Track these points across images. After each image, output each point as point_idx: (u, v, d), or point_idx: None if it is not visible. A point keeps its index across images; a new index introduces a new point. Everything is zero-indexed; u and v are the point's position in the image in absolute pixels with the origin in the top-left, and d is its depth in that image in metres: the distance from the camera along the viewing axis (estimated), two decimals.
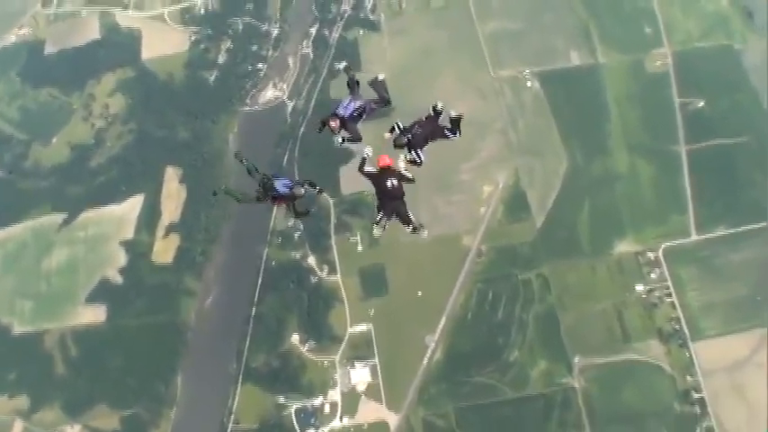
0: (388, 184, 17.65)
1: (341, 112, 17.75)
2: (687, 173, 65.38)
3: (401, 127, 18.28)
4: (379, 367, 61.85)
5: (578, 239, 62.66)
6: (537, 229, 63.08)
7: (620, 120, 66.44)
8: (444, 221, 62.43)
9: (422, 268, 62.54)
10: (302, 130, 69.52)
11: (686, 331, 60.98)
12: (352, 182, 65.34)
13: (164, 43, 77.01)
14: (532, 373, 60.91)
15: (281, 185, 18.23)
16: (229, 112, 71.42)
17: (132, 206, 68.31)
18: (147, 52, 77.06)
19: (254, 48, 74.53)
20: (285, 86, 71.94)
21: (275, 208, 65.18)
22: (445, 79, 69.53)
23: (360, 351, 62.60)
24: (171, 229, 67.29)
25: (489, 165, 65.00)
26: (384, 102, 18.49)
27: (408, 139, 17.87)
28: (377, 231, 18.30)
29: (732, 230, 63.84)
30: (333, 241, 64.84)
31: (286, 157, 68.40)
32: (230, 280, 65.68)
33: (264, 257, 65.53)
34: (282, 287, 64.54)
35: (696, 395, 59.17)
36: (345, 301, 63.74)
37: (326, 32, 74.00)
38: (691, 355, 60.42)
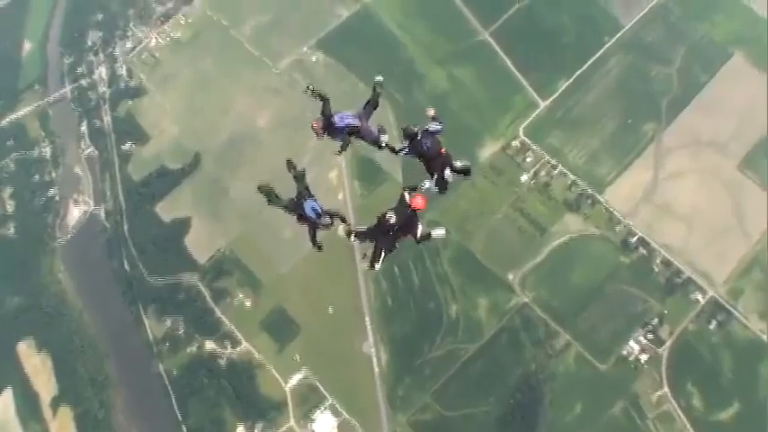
0: (387, 216, 15.62)
1: (336, 120, 16.17)
2: (502, 53, 64.10)
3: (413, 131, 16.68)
4: (337, 403, 56.09)
5: None
6: (400, 183, 58.73)
7: (414, 42, 64.86)
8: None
9: (317, 285, 57.69)
10: (126, 226, 63.44)
11: (588, 189, 58.49)
12: (202, 247, 61.89)
13: None
14: (479, 315, 57.13)
15: (309, 208, 16.50)
16: (47, 254, 64.45)
17: (5, 405, 59.82)
18: None
19: (36, 178, 67.81)
20: (86, 197, 65.99)
21: (145, 321, 60.19)
22: (236, 98, 66.64)
23: (310, 400, 57.04)
24: (57, 402, 59.54)
25: (322, 152, 60.92)
26: (374, 139, 16.91)
27: (411, 142, 16.60)
28: (378, 267, 16.17)
29: (571, 79, 62.14)
30: (219, 313, 58.52)
31: (127, 263, 62.00)
32: (144, 413, 58.53)
33: (163, 372, 58.87)
34: (198, 388, 58.19)
35: (633, 239, 56.68)
36: (266, 363, 57.88)
37: (98, 122, 68.75)
38: (606, 207, 57.21)
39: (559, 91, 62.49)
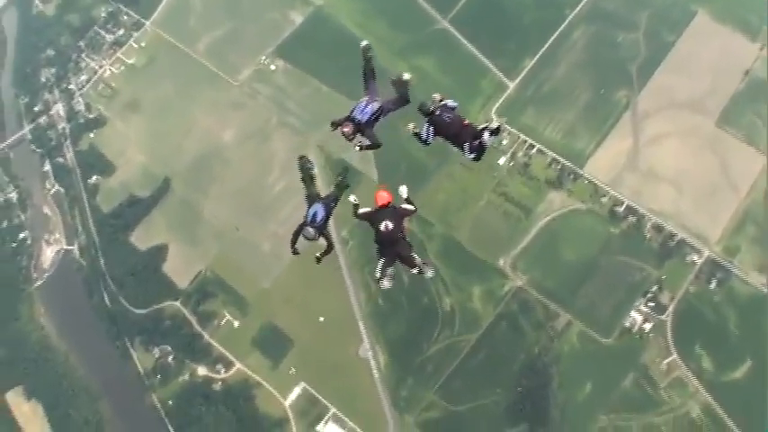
0: (382, 227, 14.70)
1: (358, 116, 14.79)
2: (463, 39, 62.80)
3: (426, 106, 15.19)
4: (340, 413, 54.43)
5: (419, 163, 57.83)
6: (376, 182, 57.20)
7: (373, 37, 62.48)
8: (288, 239, 55.18)
9: (304, 295, 55.93)
10: (102, 261, 61.56)
11: (569, 164, 57.42)
12: (182, 272, 60.31)
13: None
14: (475, 304, 55.45)
15: (312, 211, 15.31)
16: (24, 299, 62.32)
17: None
18: None
19: (5, 223, 65.83)
20: (58, 235, 64.43)
21: (133, 354, 57.97)
22: (199, 116, 65.31)
23: (312, 413, 55.44)
24: None
25: (292, 159, 58.74)
26: (404, 101, 15.42)
27: (431, 117, 15.00)
28: (386, 284, 15.05)
29: (537, 56, 61.12)
30: (207, 337, 56.55)
31: (107, 297, 60.24)
32: None
33: (158, 403, 56.98)
34: (196, 416, 56.51)
35: (621, 208, 55.32)
36: (262, 381, 56.09)
37: (61, 159, 67.18)
38: (589, 180, 56.02)
39: (527, 69, 61.58)
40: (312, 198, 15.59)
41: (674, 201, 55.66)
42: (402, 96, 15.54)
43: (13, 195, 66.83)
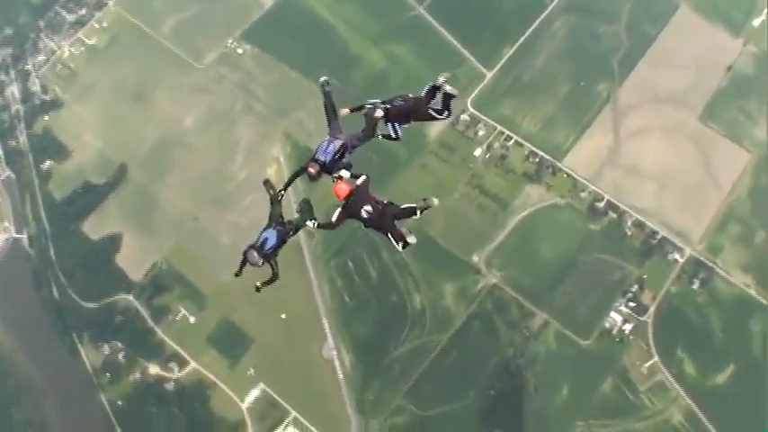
0: (364, 215, 13.69)
1: (321, 157, 14.27)
2: (439, 26, 60.50)
3: (373, 102, 14.67)
4: (301, 417, 51.47)
5: (391, 153, 54.59)
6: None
7: (347, 24, 61.58)
8: (252, 232, 51.71)
9: (266, 290, 50.93)
10: (52, 250, 58.14)
11: (547, 157, 55.23)
12: (136, 263, 56.83)
13: None
14: (446, 302, 52.69)
15: (262, 236, 14.13)
16: None
17: None
18: None
19: None
20: (7, 224, 60.54)
21: (81, 351, 54.12)
22: (161, 100, 62.20)
23: (271, 416, 52.07)
24: None
25: (256, 146, 56.76)
26: (369, 136, 14.83)
27: (386, 110, 14.46)
28: (412, 239, 13.60)
29: (516, 45, 59.04)
30: (161, 333, 52.97)
31: (56, 290, 56.75)
32: None
33: (106, 404, 53.46)
34: (147, 418, 52.79)
35: (601, 204, 53.17)
36: (218, 382, 52.73)
37: (13, 143, 63.50)
38: (568, 174, 53.52)
39: (505, 59, 59.61)
40: (272, 219, 14.59)
41: (656, 197, 53.80)
42: (368, 132, 14.90)
43: None
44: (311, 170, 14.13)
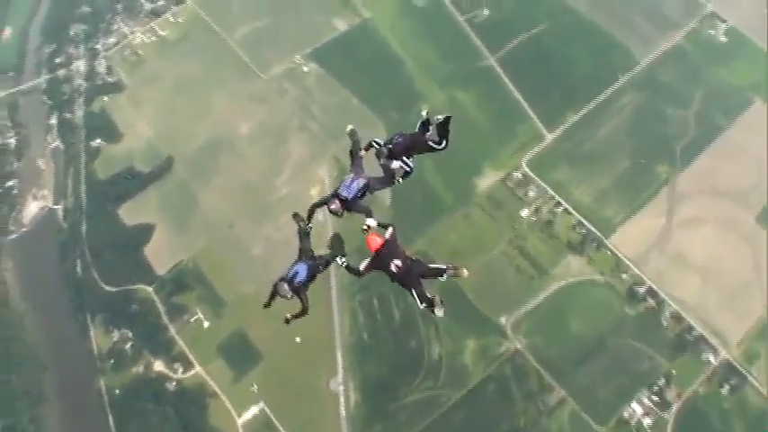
0: (393, 269, 13.97)
1: (344, 193, 15.09)
2: (508, 80, 59.87)
3: (378, 142, 15.93)
4: None
5: (436, 196, 54.31)
6: (388, 206, 53.43)
7: (416, 61, 61.07)
8: (284, 248, 51.35)
9: (287, 310, 50.17)
10: (84, 227, 58.24)
11: (595, 230, 53.24)
12: (163, 257, 56.15)
13: None
14: (465, 359, 50.74)
15: (293, 269, 14.74)
16: None
17: None
18: None
19: None
20: (46, 192, 60.91)
21: (92, 332, 53.59)
22: (219, 102, 62.42)
23: None
24: None
25: (305, 166, 56.36)
26: (389, 183, 15.95)
27: (389, 149, 15.50)
28: (439, 312, 13.76)
29: (581, 112, 57.80)
30: (173, 331, 52.06)
31: (80, 266, 56.56)
32: None
33: (104, 389, 52.41)
34: (140, 412, 51.47)
35: (641, 289, 51.23)
36: (219, 392, 51.34)
37: (69, 115, 64.18)
38: (612, 252, 51.69)
39: (568, 124, 58.43)
40: (303, 253, 15.19)
41: (700, 292, 51.53)
42: (387, 180, 15.85)
43: (12, 141, 63.82)
44: (332, 206, 14.78)
